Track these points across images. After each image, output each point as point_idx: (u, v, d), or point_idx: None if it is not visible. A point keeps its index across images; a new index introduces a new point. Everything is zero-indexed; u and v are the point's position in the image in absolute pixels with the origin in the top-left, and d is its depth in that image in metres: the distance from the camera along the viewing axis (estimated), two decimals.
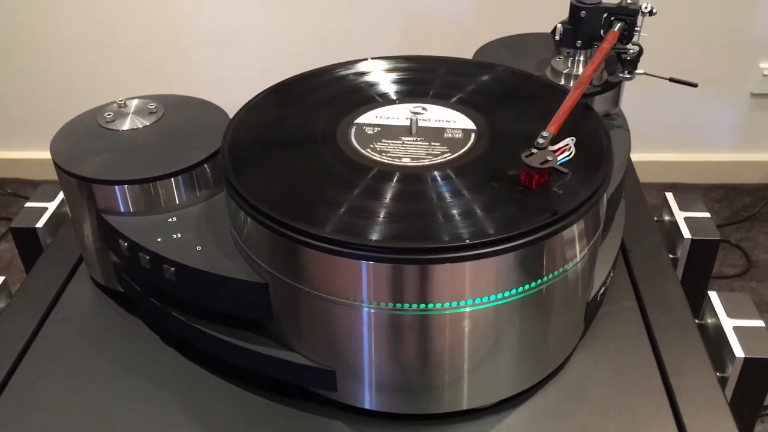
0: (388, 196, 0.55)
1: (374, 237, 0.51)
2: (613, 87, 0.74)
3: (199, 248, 0.60)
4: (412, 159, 0.59)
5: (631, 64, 0.68)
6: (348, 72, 0.73)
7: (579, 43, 0.71)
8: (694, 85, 0.67)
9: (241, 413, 0.60)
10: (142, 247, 0.60)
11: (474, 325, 0.54)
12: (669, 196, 0.82)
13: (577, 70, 0.74)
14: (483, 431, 0.58)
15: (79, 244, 0.71)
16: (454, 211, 0.54)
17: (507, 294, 0.53)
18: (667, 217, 0.81)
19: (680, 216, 0.79)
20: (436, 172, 0.58)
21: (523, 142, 0.55)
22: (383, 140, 0.62)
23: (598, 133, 0.61)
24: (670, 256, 0.77)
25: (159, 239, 0.61)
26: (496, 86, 0.71)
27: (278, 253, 0.54)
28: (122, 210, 0.64)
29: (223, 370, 0.63)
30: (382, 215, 0.53)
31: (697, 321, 0.68)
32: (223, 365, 0.62)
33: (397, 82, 0.71)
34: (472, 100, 0.68)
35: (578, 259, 0.56)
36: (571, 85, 0.74)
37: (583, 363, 0.63)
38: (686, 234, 0.77)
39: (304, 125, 0.65)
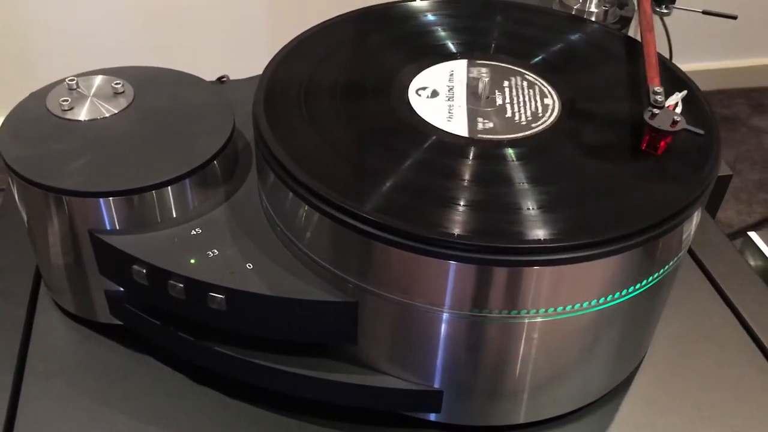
0: (473, 179, 0.46)
1: (538, 235, 0.42)
2: (628, 23, 0.68)
3: (250, 266, 0.47)
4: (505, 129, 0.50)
5: None
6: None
7: None
8: (734, 17, 0.62)
9: None
10: (173, 273, 0.47)
11: (598, 326, 0.47)
12: None
13: (590, 5, 0.68)
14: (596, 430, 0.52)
15: (43, 270, 0.56)
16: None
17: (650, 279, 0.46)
18: None
19: None
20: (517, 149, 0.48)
21: (609, 104, 0.48)
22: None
23: (688, 84, 0.54)
24: None
25: (193, 260, 0.48)
26: (565, 40, 0.60)
27: (377, 262, 0.44)
28: (124, 227, 0.50)
29: (277, 402, 0.51)
30: (484, 204, 0.44)
31: None
32: (278, 398, 0.51)
33: (454, 30, 0.60)
34: (542, 58, 0.57)
35: (689, 245, 0.50)
36: None
37: (671, 336, 0.58)
38: None
39: (371, 78, 0.54)
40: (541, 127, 0.50)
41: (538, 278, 0.42)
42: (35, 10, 1.51)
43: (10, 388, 0.51)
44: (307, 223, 0.46)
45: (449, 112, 0.51)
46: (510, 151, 0.48)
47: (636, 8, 0.66)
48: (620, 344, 0.50)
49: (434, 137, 0.49)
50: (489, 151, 0.48)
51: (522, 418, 0.50)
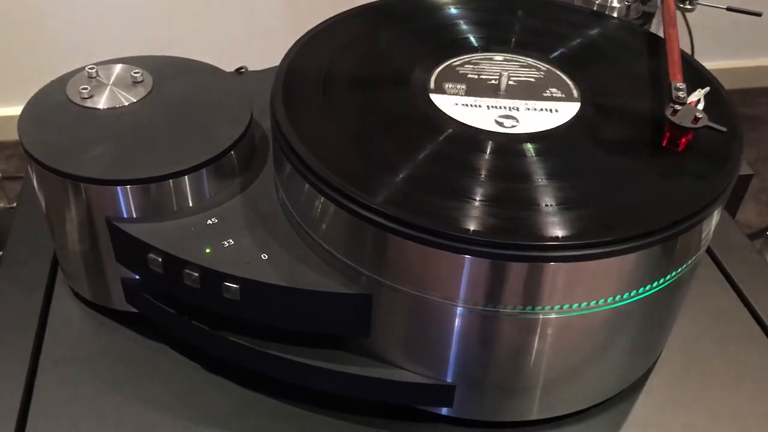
0: (509, 175, 0.46)
1: (555, 232, 0.42)
2: (651, 18, 0.67)
3: (265, 256, 0.47)
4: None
5: None
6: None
7: None
8: (758, 15, 0.62)
9: None
10: (188, 262, 0.47)
11: (612, 325, 0.47)
12: None
13: (613, 1, 0.67)
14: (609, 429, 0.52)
15: (61, 256, 0.56)
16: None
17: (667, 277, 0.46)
18: None
19: None
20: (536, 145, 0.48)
21: (631, 100, 0.47)
22: (461, 87, 0.51)
23: (711, 82, 0.53)
24: None
25: (208, 250, 0.48)
26: (587, 36, 0.60)
27: (392, 254, 0.43)
28: (141, 215, 0.50)
29: (290, 394, 0.51)
30: (501, 199, 0.44)
31: None
32: (291, 389, 0.51)
33: (474, 24, 0.59)
34: (563, 54, 0.57)
35: (709, 242, 0.50)
36: None
37: (687, 336, 0.57)
38: None
39: (390, 77, 0.53)
40: (560, 123, 0.49)
41: (553, 275, 0.42)
42: None
43: (26, 373, 0.52)
44: (322, 215, 0.46)
45: (469, 105, 0.50)
46: (529, 146, 0.47)
47: (659, 4, 0.65)
48: (635, 343, 0.50)
49: (452, 130, 0.48)
50: (507, 146, 0.48)
51: (534, 415, 0.50)
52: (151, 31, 1.56)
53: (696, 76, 0.54)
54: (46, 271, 0.59)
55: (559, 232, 0.41)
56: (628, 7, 0.67)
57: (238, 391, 0.52)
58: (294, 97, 0.50)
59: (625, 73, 0.55)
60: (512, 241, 0.41)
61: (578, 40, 0.58)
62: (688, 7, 0.63)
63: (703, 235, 0.48)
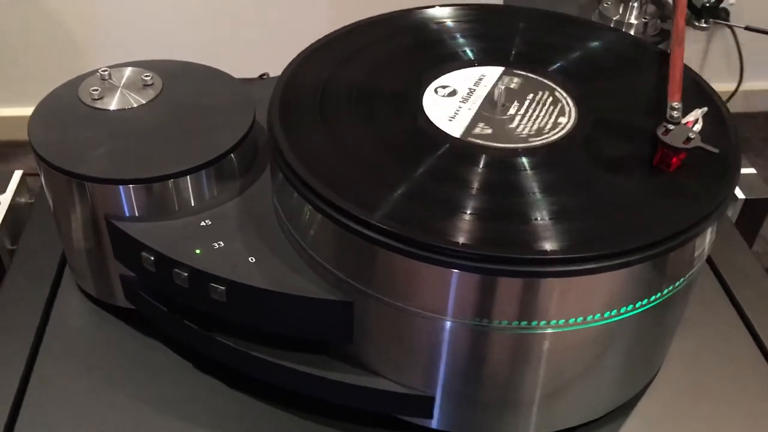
0: (491, 188, 0.46)
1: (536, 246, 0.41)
2: (668, 36, 0.66)
3: (252, 260, 0.48)
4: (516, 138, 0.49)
5: (710, 12, 0.60)
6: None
7: None
8: None
9: None
10: (178, 262, 0.48)
11: (603, 341, 0.46)
12: None
13: (629, 17, 0.66)
14: None
15: (67, 251, 0.58)
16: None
17: (659, 295, 0.45)
18: None
19: None
20: (530, 158, 0.48)
21: (630, 116, 0.47)
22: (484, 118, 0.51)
23: (714, 102, 0.53)
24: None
25: (198, 251, 0.49)
26: (589, 49, 0.59)
27: (372, 264, 0.44)
28: (138, 214, 0.51)
29: (276, 397, 0.52)
30: (490, 212, 0.44)
31: None
32: (277, 392, 0.52)
33: (466, 36, 0.59)
34: (559, 64, 0.56)
35: (704, 259, 0.49)
36: None
37: (682, 353, 0.56)
38: (739, 194, 0.71)
39: (380, 89, 0.53)
40: (539, 143, 0.49)
41: (527, 289, 0.42)
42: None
43: (24, 364, 0.53)
44: (308, 221, 0.46)
45: (455, 113, 0.50)
46: (523, 160, 0.47)
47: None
48: (628, 360, 0.49)
49: (427, 135, 0.49)
50: (474, 156, 0.47)
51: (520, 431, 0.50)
52: (180, 36, 1.59)
53: (703, 96, 0.53)
54: (55, 266, 0.61)
55: (538, 247, 0.41)
56: (646, 24, 0.66)
57: (226, 391, 0.53)
58: (290, 108, 0.51)
59: (624, 89, 0.54)
60: (486, 252, 0.41)
61: (593, 59, 0.58)
62: (704, 25, 0.62)
63: (696, 253, 0.47)
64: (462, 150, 0.48)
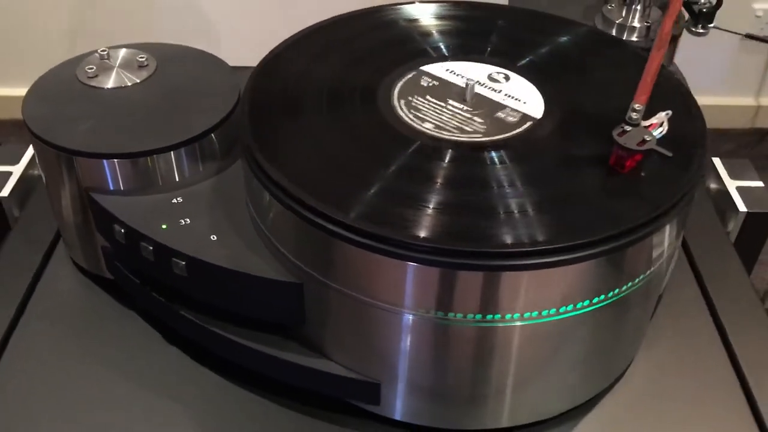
0: (445, 181, 0.46)
1: (456, 235, 0.42)
2: (672, 41, 0.65)
3: (214, 238, 0.50)
4: (470, 133, 0.50)
5: (707, 17, 0.59)
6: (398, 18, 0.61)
7: None
8: None
9: (259, 425, 0.51)
10: (144, 236, 0.50)
11: (542, 338, 0.46)
12: (717, 162, 0.74)
13: (632, 20, 0.65)
14: None
15: (58, 222, 0.61)
16: (535, 203, 0.45)
17: (602, 297, 0.45)
18: (713, 185, 0.74)
19: (732, 185, 0.72)
20: (497, 153, 0.48)
21: (604, 116, 0.47)
22: (439, 107, 0.52)
23: (687, 104, 0.52)
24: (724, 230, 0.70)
25: (164, 226, 0.51)
26: (563, 45, 0.59)
27: (318, 248, 0.45)
28: (115, 188, 0.53)
29: (237, 374, 0.53)
30: (443, 204, 0.44)
31: None
32: (238, 369, 0.53)
33: (440, 33, 0.60)
34: (530, 60, 0.57)
35: (664, 258, 0.48)
36: (625, 38, 0.65)
37: (648, 362, 0.55)
38: (741, 207, 0.69)
39: (344, 81, 0.54)
40: (502, 137, 0.49)
41: (464, 282, 0.42)
42: None
43: (8, 323, 0.56)
44: (263, 203, 0.48)
45: (424, 109, 0.51)
46: (494, 155, 0.48)
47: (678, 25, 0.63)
48: (586, 358, 0.49)
49: (399, 132, 0.49)
50: (449, 152, 0.48)
51: (463, 425, 0.50)
52: (198, 23, 1.62)
53: (682, 102, 0.52)
54: (51, 236, 0.64)
55: (490, 239, 0.42)
56: (648, 27, 0.65)
57: (191, 364, 0.54)
58: (260, 99, 0.52)
59: (596, 87, 0.54)
60: (424, 244, 0.41)
61: (562, 56, 0.58)
62: (701, 31, 0.61)
63: (655, 252, 0.46)
64: (419, 141, 0.49)
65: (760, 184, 0.72)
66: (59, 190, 0.56)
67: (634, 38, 0.65)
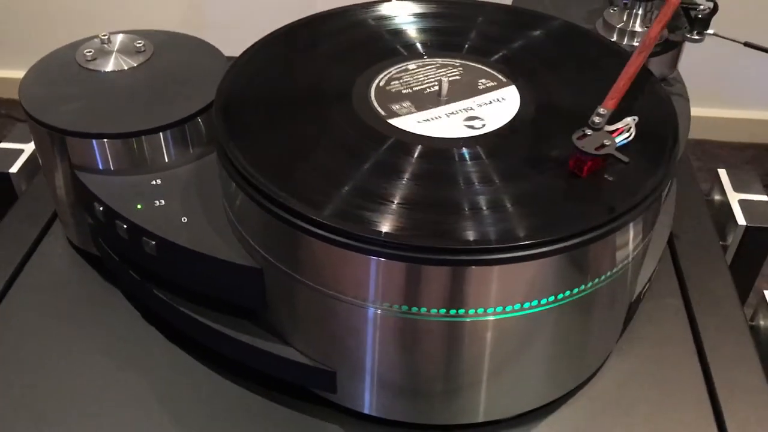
0: (410, 176, 0.46)
1: (402, 230, 0.42)
2: (674, 47, 0.64)
3: (185, 220, 0.51)
4: (442, 130, 0.50)
5: (703, 24, 0.58)
6: (371, 16, 0.62)
7: None
8: None
9: (225, 406, 0.52)
10: (119, 215, 0.52)
11: (499, 334, 0.46)
12: (722, 173, 0.72)
13: (633, 25, 0.64)
14: None
15: (53, 199, 0.63)
16: (494, 202, 0.45)
17: (551, 299, 0.45)
18: (717, 197, 0.72)
19: (734, 198, 0.70)
20: (467, 150, 0.48)
21: (576, 117, 0.46)
22: (408, 104, 0.52)
23: (662, 108, 0.51)
24: (720, 243, 0.68)
25: (139, 206, 0.52)
26: (547, 44, 0.60)
27: (276, 236, 0.46)
28: (99, 167, 0.55)
29: (208, 356, 0.55)
30: (404, 200, 0.44)
31: (749, 323, 0.60)
32: (209, 351, 0.54)
33: (425, 31, 0.61)
34: (513, 59, 0.57)
35: (630, 260, 0.48)
36: (626, 42, 0.64)
37: (618, 370, 0.55)
38: (741, 220, 0.68)
39: (319, 79, 0.55)
40: (483, 132, 0.49)
41: (428, 277, 0.43)
42: None
43: None
44: (230, 189, 0.49)
45: (397, 104, 0.51)
46: (444, 151, 0.48)
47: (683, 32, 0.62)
48: (551, 356, 0.49)
49: (357, 120, 0.50)
50: (418, 147, 0.48)
51: (423, 419, 0.50)
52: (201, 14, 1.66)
53: (659, 108, 0.51)
54: (50, 213, 0.66)
55: (449, 236, 0.42)
56: None
57: (164, 343, 0.56)
58: (234, 88, 0.54)
59: (571, 84, 0.54)
60: (373, 236, 0.42)
61: (539, 51, 0.58)
62: (696, 37, 0.60)
63: (619, 250, 0.46)
64: (391, 137, 0.49)
65: (764, 197, 0.70)
66: (52, 169, 0.58)
67: (634, 43, 0.64)
